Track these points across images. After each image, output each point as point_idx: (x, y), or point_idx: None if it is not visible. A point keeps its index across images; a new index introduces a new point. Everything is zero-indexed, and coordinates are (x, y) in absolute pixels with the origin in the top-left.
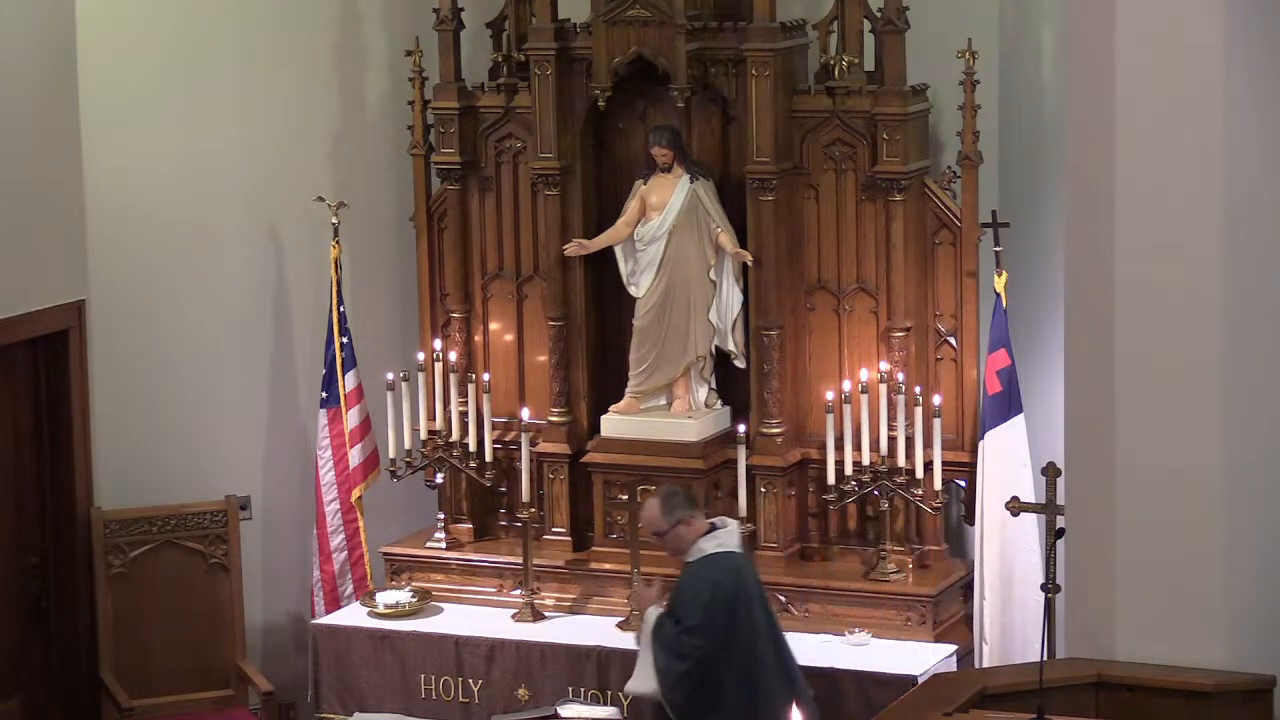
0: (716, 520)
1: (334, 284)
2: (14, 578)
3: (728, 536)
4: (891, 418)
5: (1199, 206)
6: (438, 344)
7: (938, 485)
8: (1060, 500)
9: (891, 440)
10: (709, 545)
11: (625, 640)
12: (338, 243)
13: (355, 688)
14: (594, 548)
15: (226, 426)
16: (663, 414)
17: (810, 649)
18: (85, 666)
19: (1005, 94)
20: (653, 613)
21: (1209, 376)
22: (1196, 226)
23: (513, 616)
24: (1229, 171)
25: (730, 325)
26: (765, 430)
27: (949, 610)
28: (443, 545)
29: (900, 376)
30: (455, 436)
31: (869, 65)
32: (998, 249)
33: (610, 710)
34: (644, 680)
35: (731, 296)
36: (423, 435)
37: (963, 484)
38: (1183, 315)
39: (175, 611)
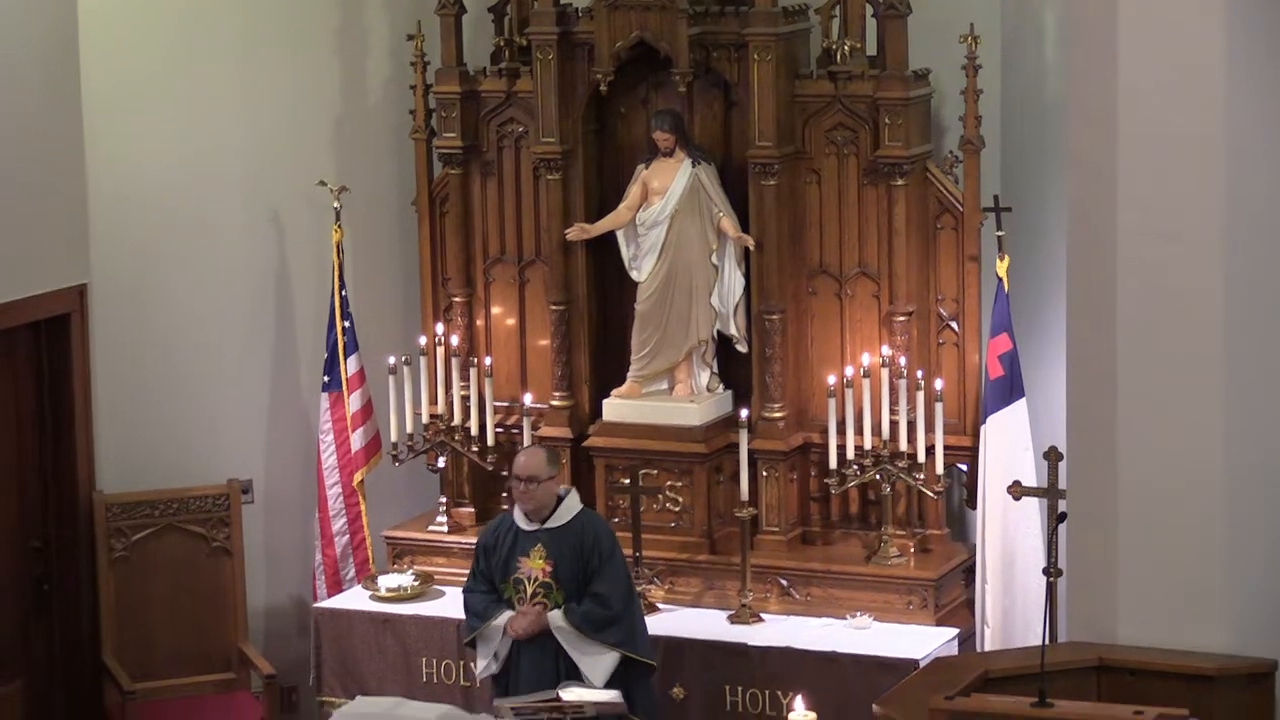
0: (560, 489)
1: (336, 268)
2: (16, 561)
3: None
4: (893, 402)
5: (1201, 190)
6: (440, 328)
7: (939, 469)
8: (1062, 484)
9: (893, 424)
10: (575, 503)
11: None
12: (339, 227)
13: (357, 671)
14: None
15: (229, 410)
16: (664, 398)
17: (812, 633)
18: (87, 650)
19: (1007, 78)
20: (556, 616)
21: (1211, 361)
22: (1198, 210)
23: None
24: (1231, 155)
25: (732, 309)
26: (767, 414)
27: (951, 594)
28: (444, 529)
29: (902, 361)
30: (457, 420)
31: (871, 50)
32: (1000, 233)
33: (612, 693)
34: (603, 670)
35: (733, 281)
36: (425, 419)
37: (964, 468)
38: (1185, 299)
39: (177, 595)
